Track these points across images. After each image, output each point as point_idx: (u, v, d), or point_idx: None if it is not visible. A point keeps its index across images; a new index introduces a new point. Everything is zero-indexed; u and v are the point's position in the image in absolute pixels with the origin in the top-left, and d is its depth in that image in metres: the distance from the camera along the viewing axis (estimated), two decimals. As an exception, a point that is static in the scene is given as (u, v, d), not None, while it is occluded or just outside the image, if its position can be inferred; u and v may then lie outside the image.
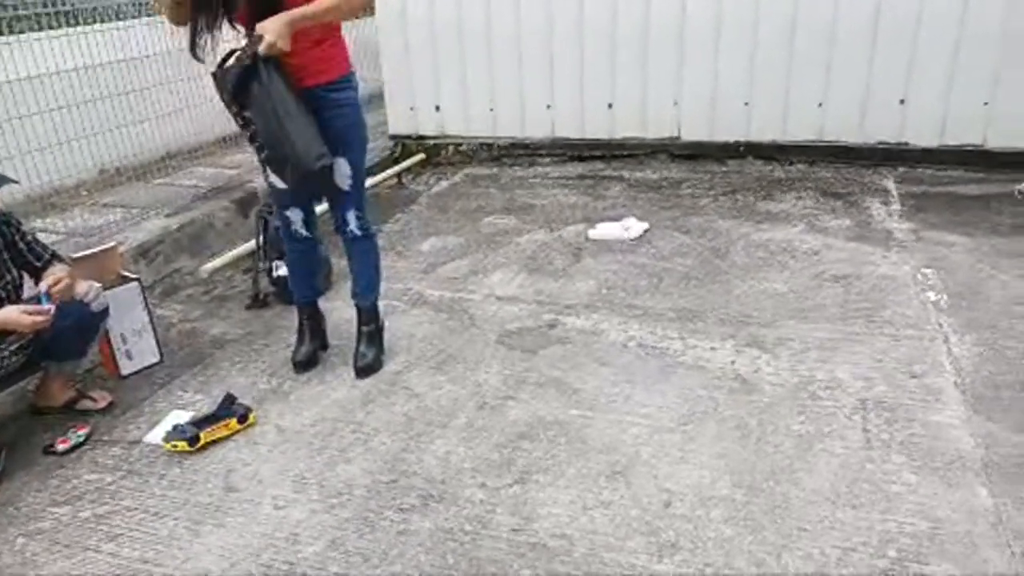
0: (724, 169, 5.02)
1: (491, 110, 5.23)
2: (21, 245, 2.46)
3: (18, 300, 2.42)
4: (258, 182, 4.57)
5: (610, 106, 5.00)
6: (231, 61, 2.29)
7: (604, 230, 3.98)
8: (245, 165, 4.98)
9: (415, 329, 3.14)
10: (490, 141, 5.46)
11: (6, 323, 2.23)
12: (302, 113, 2.33)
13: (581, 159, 5.33)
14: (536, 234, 4.10)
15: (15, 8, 4.36)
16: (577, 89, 5.03)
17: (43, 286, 2.35)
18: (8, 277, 2.41)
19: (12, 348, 2.40)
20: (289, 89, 2.31)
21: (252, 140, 2.42)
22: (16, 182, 2.34)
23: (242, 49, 2.28)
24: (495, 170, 5.37)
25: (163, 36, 4.61)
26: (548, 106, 5.11)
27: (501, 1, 4.95)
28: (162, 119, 4.85)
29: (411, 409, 2.59)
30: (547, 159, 5.43)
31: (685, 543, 1.94)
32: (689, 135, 4.98)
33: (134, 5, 5.06)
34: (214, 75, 2.33)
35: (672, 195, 4.60)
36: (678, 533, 1.98)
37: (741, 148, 4.99)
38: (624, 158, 5.25)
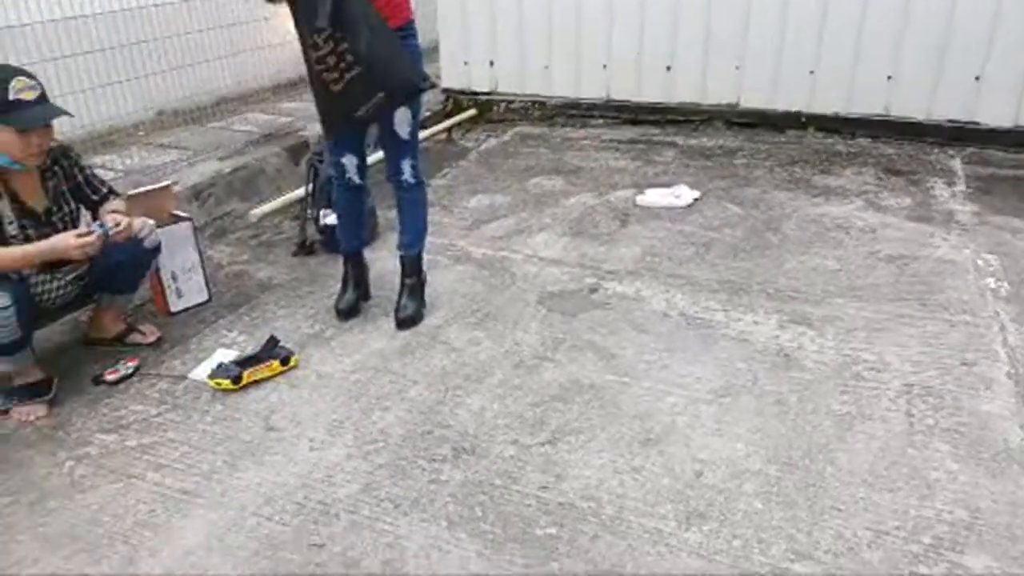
0: (782, 140, 4.86)
1: (546, 67, 5.14)
2: (80, 178, 2.53)
3: (74, 231, 2.49)
4: (310, 130, 4.60)
5: (668, 68, 4.87)
6: None
7: (653, 196, 3.90)
8: (297, 113, 5.02)
9: (457, 285, 3.15)
10: (543, 100, 5.38)
11: (55, 249, 2.29)
12: (394, 34, 2.33)
13: (635, 122, 5.22)
14: (583, 197, 4.05)
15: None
16: (636, 49, 4.90)
17: (108, 221, 2.40)
18: (67, 209, 2.48)
19: (68, 278, 2.48)
20: (377, 9, 2.30)
21: (334, 70, 2.31)
22: (70, 115, 2.38)
23: None
24: (546, 130, 5.30)
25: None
26: (604, 66, 5.00)
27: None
28: (220, 62, 4.90)
29: (448, 363, 2.62)
30: (600, 121, 5.33)
31: (714, 513, 1.93)
32: (748, 102, 4.83)
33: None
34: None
35: (726, 164, 4.48)
36: (708, 503, 1.97)
37: (802, 119, 4.82)
38: (679, 123, 5.12)
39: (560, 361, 2.61)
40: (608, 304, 2.97)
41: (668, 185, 4.03)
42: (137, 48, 4.35)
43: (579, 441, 2.21)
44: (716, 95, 4.87)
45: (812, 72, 4.58)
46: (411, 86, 2.39)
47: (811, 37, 4.51)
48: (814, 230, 3.55)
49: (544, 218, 3.79)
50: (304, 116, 4.90)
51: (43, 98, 2.26)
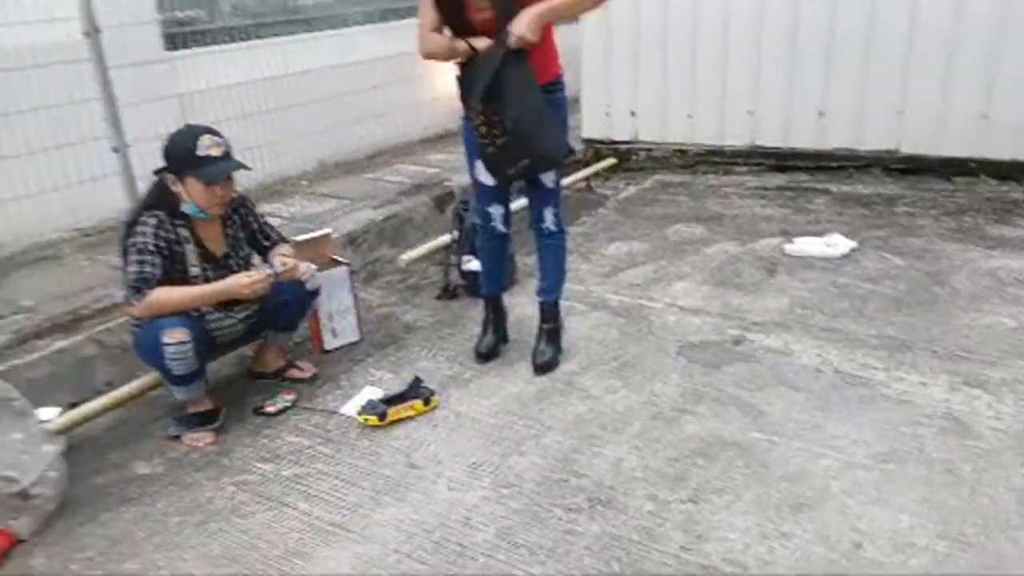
0: (949, 187, 4.50)
1: (689, 116, 5.10)
2: (255, 226, 2.77)
3: (247, 274, 2.73)
4: (455, 180, 4.81)
5: (821, 114, 4.68)
6: (479, 56, 2.40)
7: (804, 245, 3.72)
8: (443, 164, 5.26)
9: (593, 332, 3.13)
10: (685, 148, 5.32)
11: (230, 288, 2.50)
12: (546, 106, 2.44)
13: (782, 169, 5.04)
14: (726, 245, 3.93)
15: (262, 17, 4.95)
16: (785, 95, 4.76)
17: (276, 264, 2.62)
18: (242, 253, 2.72)
19: (240, 316, 2.71)
20: (535, 83, 2.42)
21: (487, 137, 2.47)
22: (249, 168, 2.62)
23: (488, 48, 2.38)
24: (687, 177, 5.22)
25: (379, 42, 5.01)
26: (750, 112, 4.89)
27: (709, 2, 4.80)
28: (375, 119, 5.26)
29: (585, 411, 2.59)
30: (744, 168, 5.19)
31: (876, 592, 1.76)
32: (910, 148, 4.53)
33: (362, 14, 5.54)
34: (463, 68, 2.46)
35: (885, 212, 4.21)
36: (868, 580, 1.80)
37: (972, 165, 4.45)
38: (832, 170, 4.88)
39: (702, 415, 2.51)
40: (754, 357, 2.84)
41: (820, 234, 3.84)
42: (305, 108, 4.76)
43: (723, 501, 2.11)
44: (873, 140, 4.61)
45: (985, 117, 4.23)
46: (552, 159, 2.51)
47: (982, 80, 4.18)
48: (988, 284, 3.24)
49: (684, 266, 3.72)
50: (449, 168, 5.14)
51: (227, 154, 2.51)
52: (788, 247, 3.76)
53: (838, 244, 3.67)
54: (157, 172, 2.52)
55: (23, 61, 3.14)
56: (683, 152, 5.36)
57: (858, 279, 3.40)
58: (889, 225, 4.00)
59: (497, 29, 2.38)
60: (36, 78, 3.17)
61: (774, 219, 4.25)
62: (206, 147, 2.44)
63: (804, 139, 4.81)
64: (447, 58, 2.53)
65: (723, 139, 5.08)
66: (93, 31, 3.17)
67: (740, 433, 2.40)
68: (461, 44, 2.46)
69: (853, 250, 3.67)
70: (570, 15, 2.53)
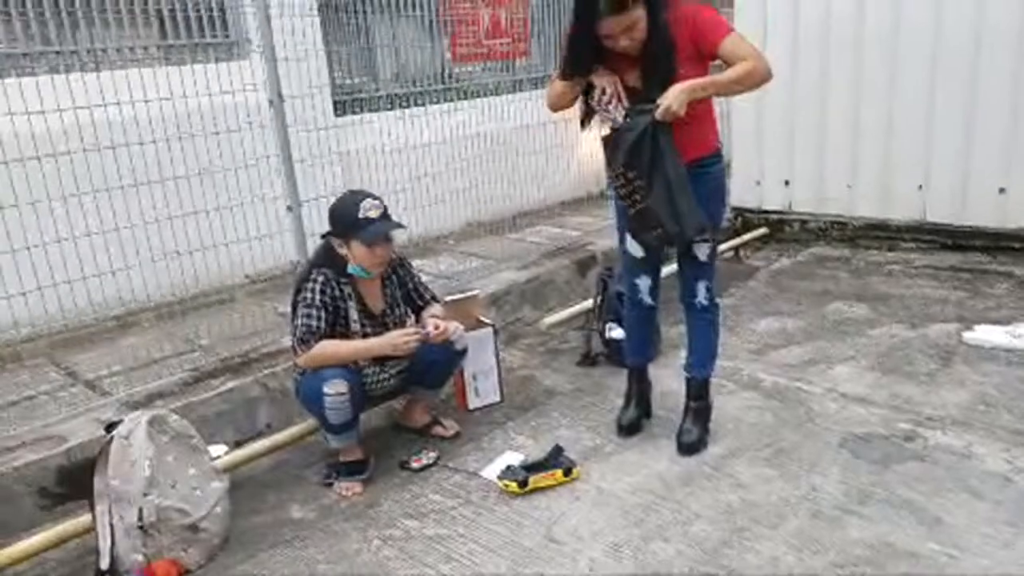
0: None
1: (848, 187, 4.85)
2: (411, 286, 2.89)
3: (402, 331, 2.83)
4: (598, 244, 4.81)
5: (1002, 191, 4.30)
6: (625, 123, 2.39)
7: (985, 334, 3.38)
8: (585, 227, 5.29)
9: (744, 413, 2.98)
10: (843, 220, 5.05)
11: (385, 345, 2.61)
12: (687, 182, 2.40)
13: (955, 248, 4.64)
14: (893, 328, 3.65)
15: (420, 85, 5.27)
16: (960, 169, 4.42)
17: (428, 325, 2.71)
18: (398, 311, 2.83)
19: (392, 371, 2.80)
20: (677, 156, 2.38)
21: (627, 199, 2.47)
22: (405, 227, 2.75)
23: (634, 115, 2.38)
24: (846, 252, 4.94)
25: (526, 110, 5.17)
26: (920, 186, 4.57)
27: (873, 67, 4.59)
28: (520, 182, 5.40)
29: (735, 500, 2.44)
30: (911, 244, 4.83)
31: None
32: (1113, 229, 4.06)
33: (511, 83, 5.77)
34: (606, 138, 2.47)
35: (1081, 301, 3.77)
36: None
37: None
38: (1014, 251, 4.45)
39: (869, 517, 2.29)
40: (929, 457, 2.57)
41: (1004, 322, 3.48)
42: (456, 170, 4.96)
43: (897, 620, 1.89)
44: (1066, 220, 4.17)
45: None
46: (682, 233, 2.42)
47: None
48: None
49: (846, 349, 3.47)
50: (591, 231, 5.16)
51: (385, 215, 2.65)
52: (967, 335, 3.42)
53: (1025, 335, 3.31)
54: (324, 236, 2.70)
55: (216, 126, 3.49)
56: (842, 224, 5.09)
57: (1053, 376, 3.04)
58: (1088, 316, 3.57)
59: (645, 95, 2.37)
60: (227, 141, 3.51)
61: (948, 302, 3.91)
62: (367, 210, 2.59)
63: (982, 216, 4.43)
64: (570, 99, 2.51)
65: (887, 212, 4.77)
66: (277, 98, 3.49)
67: (914, 542, 2.16)
68: (581, 81, 2.44)
69: (1044, 342, 3.30)
70: (726, 94, 2.45)
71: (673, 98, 2.28)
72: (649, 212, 2.43)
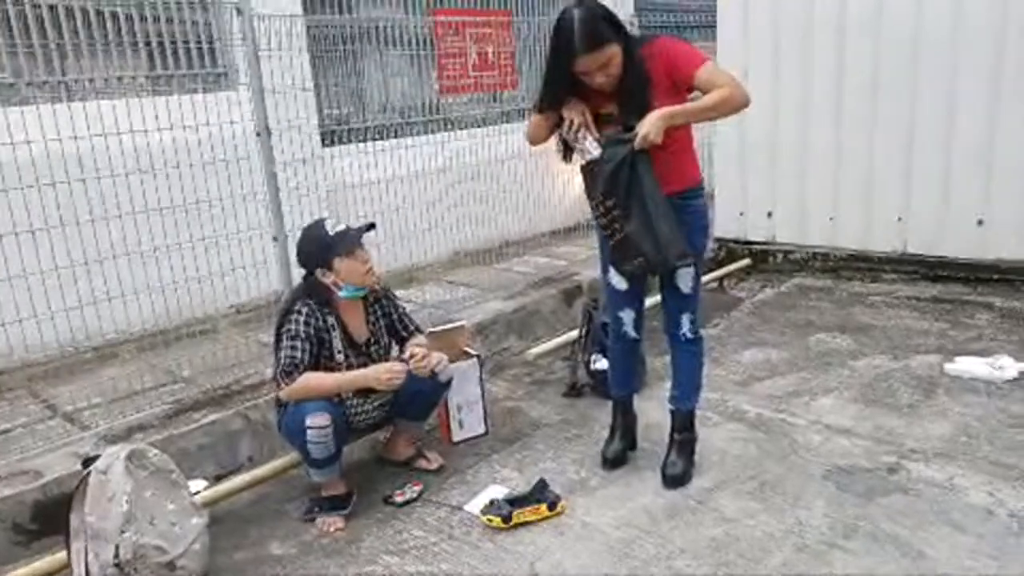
0: None
1: (831, 219, 4.90)
2: (395, 316, 2.89)
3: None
4: (584, 275, 4.83)
5: (980, 223, 4.37)
6: (605, 154, 2.40)
7: (966, 365, 3.41)
8: (571, 257, 5.32)
9: (728, 445, 2.97)
10: (826, 251, 5.10)
11: (369, 377, 2.60)
12: (668, 209, 2.41)
13: (935, 279, 4.70)
14: (876, 359, 3.67)
15: (407, 117, 5.32)
16: (939, 201, 4.49)
17: (407, 356, 2.70)
18: (382, 342, 2.83)
19: (375, 404, 2.79)
20: (657, 184, 2.40)
21: (608, 229, 2.49)
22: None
23: (611, 145, 2.40)
24: (829, 282, 4.98)
25: (511, 141, 5.21)
26: (899, 218, 4.64)
27: (852, 102, 4.67)
28: (506, 213, 5.43)
29: (719, 534, 2.43)
30: (892, 275, 4.89)
31: None
32: (1090, 261, 4.13)
33: (498, 114, 5.83)
34: (584, 168, 2.49)
35: (1061, 332, 3.82)
36: None
37: None
38: (994, 283, 4.51)
39: (853, 551, 2.29)
40: (913, 490, 2.58)
41: (984, 353, 3.51)
42: (442, 201, 4.98)
43: (882, 658, 1.88)
44: (1044, 252, 4.24)
45: None
46: (665, 260, 2.43)
47: None
48: None
49: (829, 380, 3.49)
50: (576, 261, 5.18)
51: (348, 228, 2.67)
52: (948, 367, 3.45)
53: (1006, 367, 3.34)
54: (305, 277, 2.69)
55: (205, 157, 3.50)
56: (824, 256, 5.14)
57: (1033, 408, 3.06)
58: (1068, 347, 3.61)
59: (623, 125, 2.40)
60: (212, 172, 3.51)
61: (930, 333, 3.95)
62: (332, 227, 2.64)
63: (961, 248, 4.49)
64: (546, 132, 2.54)
65: (869, 244, 4.83)
66: (265, 131, 3.50)
67: (899, 577, 2.16)
68: (554, 115, 2.47)
69: (1023, 374, 3.33)
70: (704, 119, 2.47)
71: (650, 125, 2.30)
72: (629, 241, 2.43)
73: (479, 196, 5.18)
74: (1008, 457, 2.73)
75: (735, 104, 2.36)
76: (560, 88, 2.44)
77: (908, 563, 2.22)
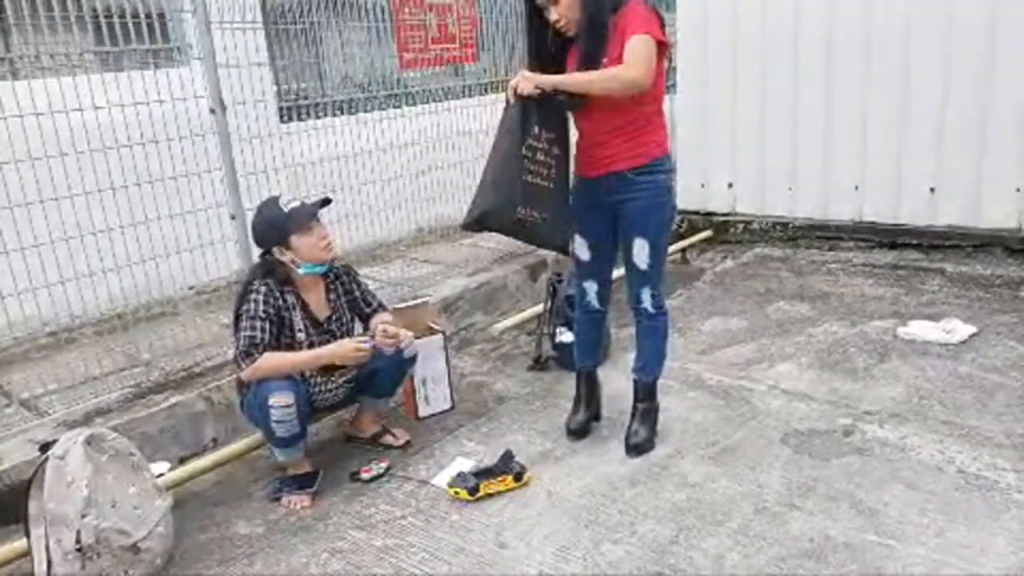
0: (1082, 269, 4.19)
1: (789, 189, 4.99)
2: (357, 293, 2.87)
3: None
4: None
5: (932, 190, 4.48)
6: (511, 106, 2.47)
7: (918, 329, 3.51)
8: (539, 231, 5.31)
9: (690, 413, 3.03)
10: (785, 221, 5.18)
11: (335, 354, 2.59)
12: (516, 161, 2.43)
13: (891, 246, 4.82)
14: (833, 325, 3.76)
15: (367, 91, 5.24)
16: (893, 170, 4.59)
17: (377, 333, 2.69)
18: (344, 319, 2.81)
19: (340, 382, 2.78)
20: (515, 139, 2.43)
21: (544, 173, 2.53)
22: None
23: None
24: (788, 251, 5.07)
25: (475, 116, 5.17)
26: (856, 187, 4.73)
27: (809, 73, 4.73)
28: (471, 188, 5.39)
29: (681, 499, 2.48)
30: (850, 243, 4.99)
31: None
32: (1036, 227, 4.26)
33: (461, 88, 5.76)
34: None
35: (1010, 297, 3.94)
36: None
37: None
38: (946, 249, 4.63)
39: (810, 511, 2.36)
40: (867, 450, 2.66)
41: (936, 318, 3.62)
42: (406, 176, 4.94)
43: (835, 611, 1.95)
44: (993, 219, 4.37)
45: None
46: (483, 218, 2.51)
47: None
48: None
49: (787, 347, 3.57)
50: (544, 235, 5.18)
51: (303, 203, 2.64)
52: (901, 330, 3.55)
53: (956, 330, 3.45)
54: (262, 256, 2.66)
55: (157, 134, 3.41)
56: (784, 225, 5.23)
57: (982, 369, 3.17)
58: (1015, 311, 3.73)
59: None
60: (167, 150, 3.43)
61: (885, 299, 4.05)
62: (286, 204, 2.60)
63: (915, 215, 4.61)
64: None
65: (827, 213, 4.93)
66: (220, 107, 3.42)
67: (853, 534, 2.24)
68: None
69: (973, 336, 3.44)
70: (585, 91, 2.42)
71: (518, 78, 2.42)
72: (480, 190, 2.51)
73: (443, 172, 5.14)
74: (957, 417, 2.82)
75: (616, 84, 2.36)
76: (535, 39, 2.53)
77: (863, 521, 2.30)
